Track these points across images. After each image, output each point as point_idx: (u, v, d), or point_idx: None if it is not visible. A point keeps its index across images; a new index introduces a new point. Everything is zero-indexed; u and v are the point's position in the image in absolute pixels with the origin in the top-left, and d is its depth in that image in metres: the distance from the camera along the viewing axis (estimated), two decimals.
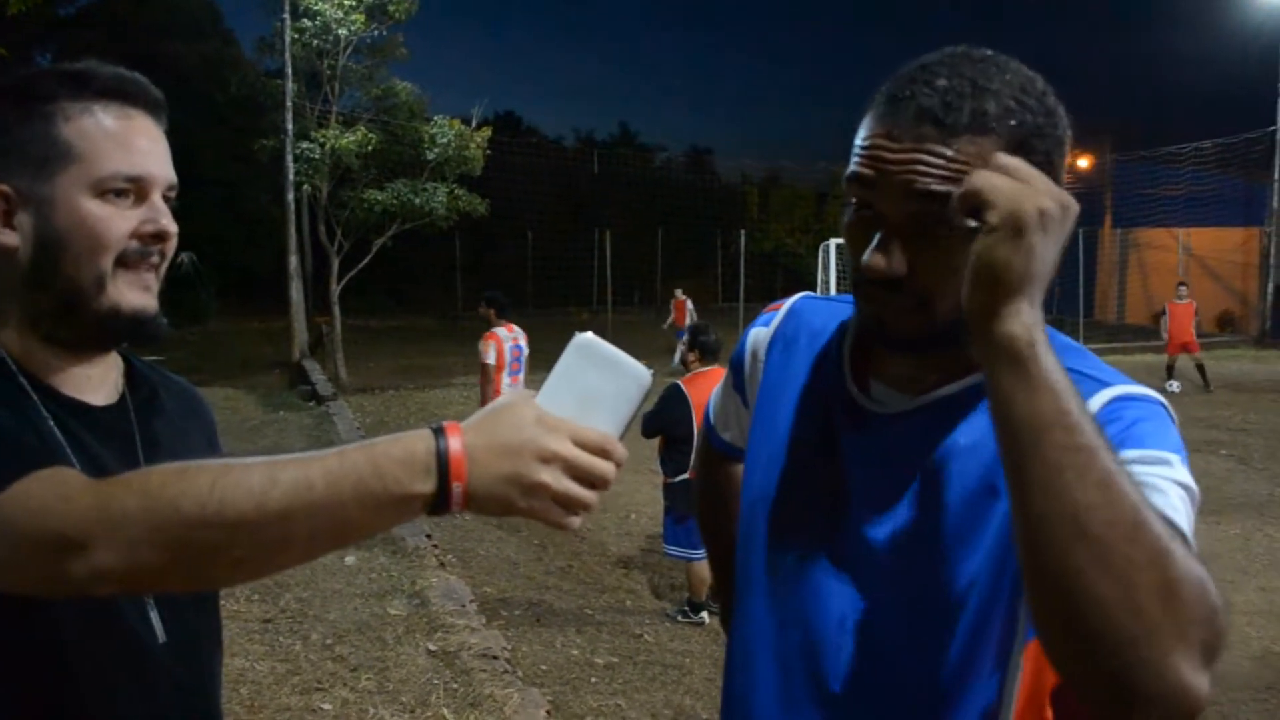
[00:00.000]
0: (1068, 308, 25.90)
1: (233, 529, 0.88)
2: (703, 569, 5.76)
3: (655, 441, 6.17)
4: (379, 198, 16.38)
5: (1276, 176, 25.57)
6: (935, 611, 1.11)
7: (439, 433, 0.92)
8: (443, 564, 6.54)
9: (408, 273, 28.52)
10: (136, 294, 1.20)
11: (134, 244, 1.18)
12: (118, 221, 1.17)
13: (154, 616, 1.20)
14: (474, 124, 17.70)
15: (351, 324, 18.05)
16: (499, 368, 8.05)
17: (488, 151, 17.71)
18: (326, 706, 4.41)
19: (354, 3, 16.17)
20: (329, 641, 5.11)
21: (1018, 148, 1.02)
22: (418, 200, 16.49)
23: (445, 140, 16.78)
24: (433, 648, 5.03)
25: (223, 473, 0.89)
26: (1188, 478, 0.98)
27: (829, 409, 1.23)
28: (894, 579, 1.13)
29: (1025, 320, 0.89)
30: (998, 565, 1.08)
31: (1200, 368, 15.74)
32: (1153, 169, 28.10)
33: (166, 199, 1.23)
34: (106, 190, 1.16)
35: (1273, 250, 25.88)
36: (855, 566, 1.16)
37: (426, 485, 0.90)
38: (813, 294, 1.40)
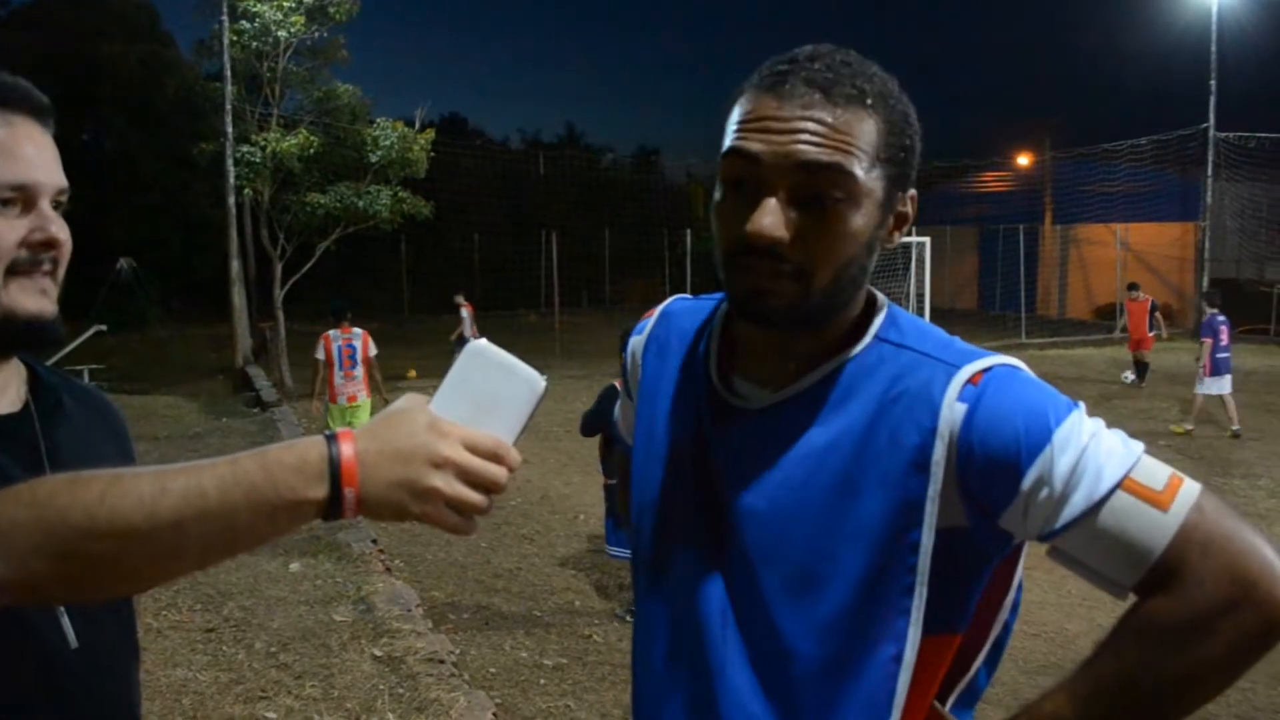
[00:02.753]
0: (1009, 303, 26.32)
1: (123, 538, 0.87)
2: None
3: (600, 444, 6.17)
4: (322, 201, 16.22)
5: (1210, 173, 26.13)
6: (808, 602, 1.13)
7: (331, 439, 0.92)
8: (389, 569, 6.49)
9: (353, 277, 28.20)
10: (32, 299, 1.17)
11: (24, 253, 1.16)
12: (5, 231, 1.14)
13: (65, 623, 1.19)
14: (417, 126, 17.59)
15: (296, 329, 17.82)
16: (329, 364, 9.20)
17: (432, 154, 17.61)
18: (271, 715, 4.36)
19: (293, 4, 16.00)
20: (273, 649, 5.05)
21: (890, 130, 1.09)
22: (361, 203, 16.35)
23: (388, 143, 16.66)
24: (378, 653, 4.99)
25: (113, 482, 0.89)
26: (1077, 432, 1.05)
27: (696, 406, 1.25)
28: (766, 571, 1.15)
29: None
30: (876, 562, 1.10)
31: (1144, 365, 15.98)
32: (1091, 166, 28.58)
33: (58, 204, 1.20)
34: None
35: (1207, 245, 26.45)
36: (730, 561, 1.18)
37: (319, 491, 0.91)
38: (685, 296, 1.42)
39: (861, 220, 1.08)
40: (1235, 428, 11.72)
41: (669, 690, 1.24)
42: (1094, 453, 1.04)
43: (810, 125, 1.05)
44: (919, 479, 1.08)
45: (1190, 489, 1.03)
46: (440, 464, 0.93)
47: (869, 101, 1.07)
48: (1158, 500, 1.02)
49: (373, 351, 9.40)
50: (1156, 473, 1.04)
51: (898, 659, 1.11)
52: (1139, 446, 1.07)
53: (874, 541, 1.10)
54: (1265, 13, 27.46)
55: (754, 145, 1.07)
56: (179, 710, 4.37)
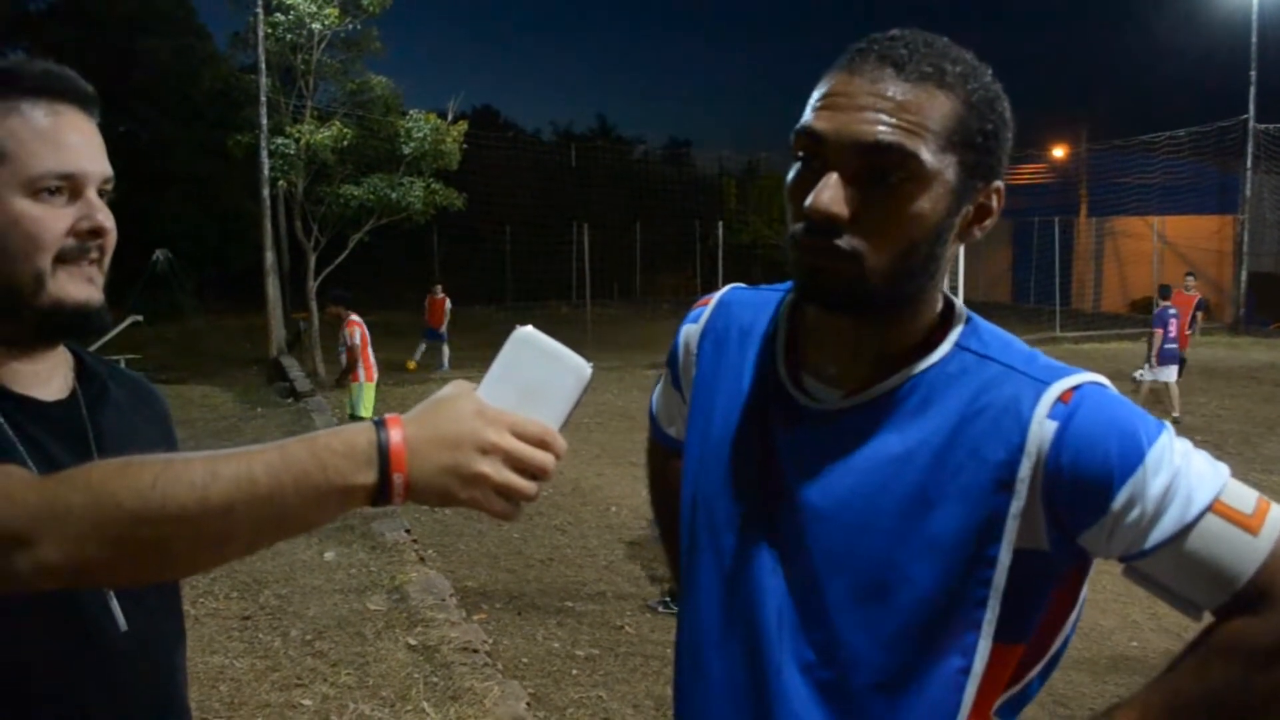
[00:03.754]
0: (1044, 297, 26.08)
1: (175, 523, 0.88)
2: None
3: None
4: (355, 193, 16.30)
5: (1249, 165, 25.79)
6: (876, 612, 1.11)
7: (380, 425, 0.93)
8: (422, 558, 6.53)
9: (385, 268, 28.35)
10: (79, 287, 1.19)
11: (71, 241, 1.17)
12: (52, 220, 1.16)
13: (115, 606, 1.21)
14: (450, 118, 17.64)
15: (330, 320, 17.93)
16: (364, 345, 9.96)
17: (464, 146, 17.65)
18: (307, 702, 4.40)
19: None
20: (308, 638, 5.10)
21: (969, 112, 1.05)
22: (394, 195, 16.42)
23: (421, 135, 16.71)
24: (413, 642, 5.02)
25: (165, 468, 0.90)
26: (1168, 455, 1.03)
27: (763, 403, 1.22)
28: (833, 578, 1.13)
29: None
30: (950, 576, 1.08)
31: (1181, 361, 15.73)
32: (1127, 158, 28.26)
33: (103, 193, 1.21)
34: (39, 189, 1.15)
35: (1246, 238, 26.11)
36: (793, 565, 1.16)
37: (368, 477, 0.91)
38: (742, 285, 1.39)
39: (927, 204, 1.04)
40: (1176, 415, 11.94)
41: (717, 689, 1.22)
42: (1185, 475, 1.02)
43: (876, 101, 1.02)
44: (1003, 495, 1.06)
45: (1278, 513, 1.02)
46: (488, 450, 0.94)
47: (947, 80, 1.04)
48: (1248, 524, 1.01)
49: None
50: (1245, 496, 1.03)
51: (965, 671, 1.10)
52: (1225, 469, 1.05)
53: (949, 556, 1.08)
54: None
55: (818, 123, 1.04)
56: (216, 696, 4.42)
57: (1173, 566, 1.03)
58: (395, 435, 0.92)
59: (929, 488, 1.08)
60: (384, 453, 0.91)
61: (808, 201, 1.04)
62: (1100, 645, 5.41)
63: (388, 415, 0.95)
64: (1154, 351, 12.57)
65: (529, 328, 1.01)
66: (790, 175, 1.10)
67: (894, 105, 1.02)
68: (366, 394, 10.13)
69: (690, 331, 1.38)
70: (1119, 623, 5.74)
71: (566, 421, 1.00)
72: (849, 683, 1.12)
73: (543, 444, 0.96)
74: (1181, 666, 1.06)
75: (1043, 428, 1.05)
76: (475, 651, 4.91)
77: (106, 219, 1.20)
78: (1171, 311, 13.01)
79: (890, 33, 1.08)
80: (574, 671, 5.09)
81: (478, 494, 0.94)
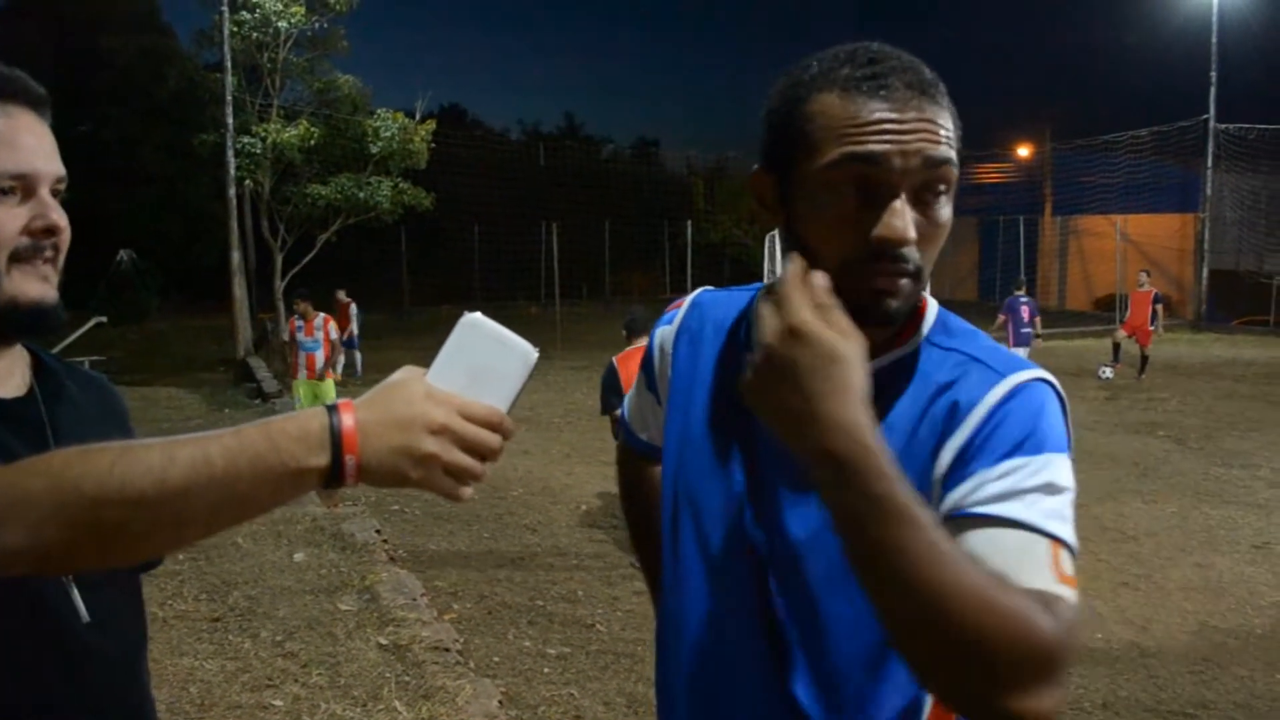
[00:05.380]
0: (1009, 294, 26.29)
1: (134, 506, 0.91)
2: None
3: (602, 434, 6.35)
4: (322, 192, 16.26)
5: (1210, 164, 26.14)
6: (852, 590, 1.10)
7: (332, 409, 0.96)
8: (393, 558, 6.51)
9: (353, 268, 28.19)
10: (34, 285, 1.20)
11: (25, 240, 1.18)
12: (6, 220, 1.17)
13: (76, 597, 1.21)
14: (418, 117, 17.62)
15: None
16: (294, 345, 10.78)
17: (432, 145, 17.63)
18: (278, 703, 4.39)
19: None
20: (279, 638, 5.08)
21: (956, 119, 1.12)
22: (362, 194, 16.39)
23: (389, 134, 16.68)
24: (384, 642, 5.01)
25: (123, 453, 0.92)
26: (1060, 474, 1.04)
27: (740, 397, 1.25)
28: (811, 559, 1.16)
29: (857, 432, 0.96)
30: None
31: (1143, 358, 15.94)
32: (1091, 157, 28.60)
33: (56, 192, 1.22)
34: None
35: (1207, 236, 26.47)
36: (774, 556, 1.19)
37: (321, 459, 0.94)
38: (712, 287, 1.41)
39: (951, 210, 1.12)
40: None
41: (702, 679, 1.25)
42: (1054, 498, 1.04)
43: (925, 124, 1.07)
44: (933, 465, 1.10)
45: (1074, 600, 1.00)
46: (437, 431, 0.96)
47: (944, 94, 1.11)
48: (1065, 578, 1.00)
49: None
50: (1071, 569, 1.02)
51: None
52: (1057, 511, 1.04)
53: None
54: (1266, 4, 27.45)
55: (879, 147, 1.06)
56: (186, 699, 4.40)
57: (984, 540, 1.02)
58: (347, 419, 0.95)
59: (904, 467, 1.11)
60: (336, 435, 0.94)
61: (882, 230, 1.06)
62: (1090, 630, 5.48)
63: (340, 400, 0.98)
64: (1008, 336, 14.03)
65: (477, 314, 1.05)
66: (825, 202, 1.10)
67: (937, 125, 1.08)
68: (303, 390, 10.70)
69: (665, 333, 1.40)
70: (1084, 615, 5.82)
71: (514, 404, 1.03)
72: (833, 661, 1.16)
73: (491, 425, 0.99)
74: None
75: (986, 407, 1.09)
76: (447, 650, 4.91)
77: (60, 217, 1.21)
78: (1023, 300, 14.85)
79: (872, 50, 1.11)
80: (545, 670, 5.10)
81: (428, 474, 0.97)
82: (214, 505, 0.93)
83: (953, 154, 1.09)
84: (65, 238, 1.23)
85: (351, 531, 6.87)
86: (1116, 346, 16.11)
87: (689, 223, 26.30)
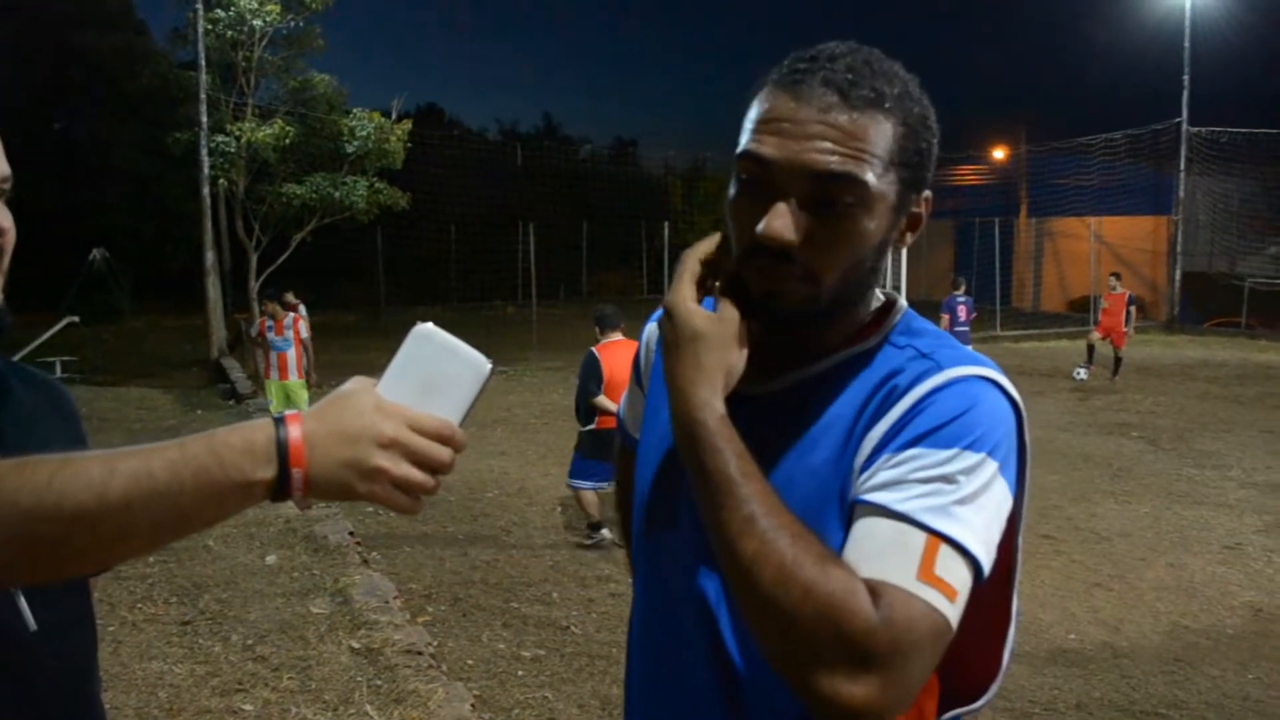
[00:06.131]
0: (985, 296, 26.43)
1: (72, 520, 0.88)
2: (591, 495, 7.26)
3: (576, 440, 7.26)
4: (297, 192, 16.16)
5: (1183, 167, 26.36)
6: None
7: (279, 422, 0.94)
8: (365, 561, 6.47)
9: (328, 268, 28.03)
10: None
11: None
12: None
13: (23, 605, 1.19)
14: (394, 116, 17.54)
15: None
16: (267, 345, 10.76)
17: (409, 144, 17.55)
18: (248, 707, 4.35)
19: None
20: (249, 642, 5.03)
21: (907, 133, 1.09)
22: (337, 194, 16.30)
23: (365, 133, 16.60)
24: (356, 645, 4.98)
25: (61, 465, 0.90)
26: (969, 472, 1.02)
27: None
28: None
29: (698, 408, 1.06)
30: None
31: (1117, 360, 16.03)
32: (1066, 160, 28.77)
33: (1, 192, 1.20)
34: None
35: (1180, 238, 26.68)
36: None
37: (267, 472, 0.92)
38: None
39: (873, 224, 1.08)
40: None
41: (669, 672, 1.24)
42: (962, 495, 1.01)
43: (825, 130, 1.04)
44: (859, 450, 1.09)
45: (929, 600, 0.98)
46: (386, 444, 0.95)
47: (887, 105, 1.07)
48: (930, 575, 0.98)
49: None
50: (955, 573, 0.99)
51: None
52: (982, 554, 1.01)
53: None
54: (1237, 9, 27.70)
55: (767, 150, 1.06)
56: (155, 703, 4.35)
57: (860, 528, 1.02)
58: (294, 431, 0.93)
59: (839, 459, 1.11)
60: (283, 448, 0.92)
61: (760, 228, 1.06)
62: (1039, 638, 5.50)
63: (287, 412, 0.96)
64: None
65: (429, 324, 1.03)
66: (731, 194, 1.12)
67: (842, 134, 1.04)
68: (275, 390, 10.76)
69: (651, 330, 1.43)
70: (1058, 616, 5.84)
71: (466, 416, 1.01)
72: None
73: (442, 438, 0.97)
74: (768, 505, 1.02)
75: (916, 395, 1.07)
76: (419, 654, 4.88)
77: (5, 218, 1.18)
78: (960, 299, 14.88)
79: (828, 51, 1.10)
80: (519, 672, 5.08)
81: (376, 488, 0.95)
82: (156, 519, 0.91)
83: (855, 169, 1.04)
84: (10, 239, 1.20)
85: (324, 534, 6.82)
86: (1091, 348, 16.21)
87: (666, 224, 26.25)
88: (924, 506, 1.00)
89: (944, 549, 0.99)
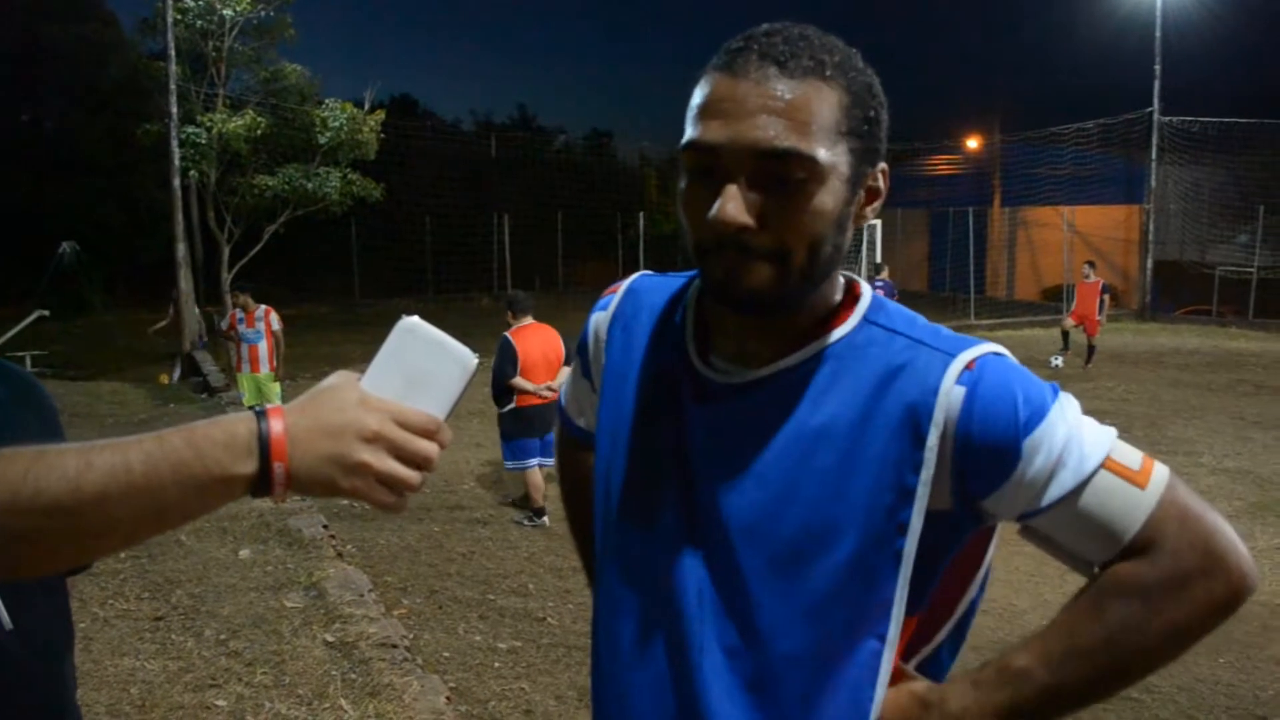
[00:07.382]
0: (959, 285, 26.59)
1: (47, 515, 0.86)
2: (535, 476, 7.56)
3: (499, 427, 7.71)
4: (270, 183, 16.05)
5: (1154, 156, 26.55)
6: (795, 583, 1.12)
7: (261, 415, 0.92)
8: (340, 554, 6.44)
9: (302, 260, 27.86)
10: None
11: None
12: None
13: None
14: (367, 107, 17.42)
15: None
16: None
17: (382, 135, 17.45)
18: (221, 703, 4.32)
19: None
20: (223, 637, 5.00)
21: (853, 101, 1.07)
22: (310, 185, 16.21)
23: (337, 124, 16.50)
24: (330, 639, 4.95)
25: (37, 458, 0.88)
26: (1064, 417, 1.09)
27: (674, 382, 1.22)
28: (750, 551, 1.13)
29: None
30: (865, 544, 1.10)
31: (1090, 348, 16.13)
32: (1039, 149, 28.87)
33: None
34: None
35: (1152, 227, 26.87)
36: (709, 540, 1.16)
37: (248, 466, 0.90)
38: (650, 272, 1.39)
39: (829, 198, 1.06)
40: None
41: (639, 672, 1.22)
42: (1079, 435, 1.08)
43: (767, 103, 1.02)
44: (914, 464, 1.08)
45: (1162, 469, 1.09)
46: (370, 439, 0.93)
47: (828, 72, 1.05)
48: (1135, 479, 1.07)
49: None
50: (1131, 454, 1.10)
51: (882, 639, 1.12)
52: (1112, 430, 1.11)
53: (865, 525, 1.09)
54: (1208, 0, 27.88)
55: (711, 134, 1.04)
56: (127, 700, 4.31)
57: (1067, 522, 1.09)
58: (276, 425, 0.91)
59: (846, 459, 1.10)
60: (264, 443, 0.90)
61: (711, 213, 1.04)
62: (1014, 625, 5.53)
63: (269, 405, 0.94)
64: None
65: (414, 317, 1.01)
66: (682, 187, 1.11)
67: (784, 106, 1.02)
68: (246, 383, 10.76)
69: (600, 319, 1.38)
70: (1032, 602, 5.88)
71: (452, 411, 1.00)
72: (770, 657, 1.13)
73: (427, 433, 0.96)
74: (1076, 609, 1.10)
75: (950, 396, 1.08)
76: (394, 647, 4.86)
77: None
78: (878, 282, 15.40)
79: (763, 29, 1.08)
80: (496, 664, 5.06)
81: (360, 483, 0.93)
82: (134, 513, 0.89)
83: (802, 143, 1.02)
84: None
85: (299, 527, 6.78)
86: (1065, 335, 16.32)
87: (641, 214, 26.23)
88: (1079, 459, 1.08)
89: (1115, 462, 1.09)
